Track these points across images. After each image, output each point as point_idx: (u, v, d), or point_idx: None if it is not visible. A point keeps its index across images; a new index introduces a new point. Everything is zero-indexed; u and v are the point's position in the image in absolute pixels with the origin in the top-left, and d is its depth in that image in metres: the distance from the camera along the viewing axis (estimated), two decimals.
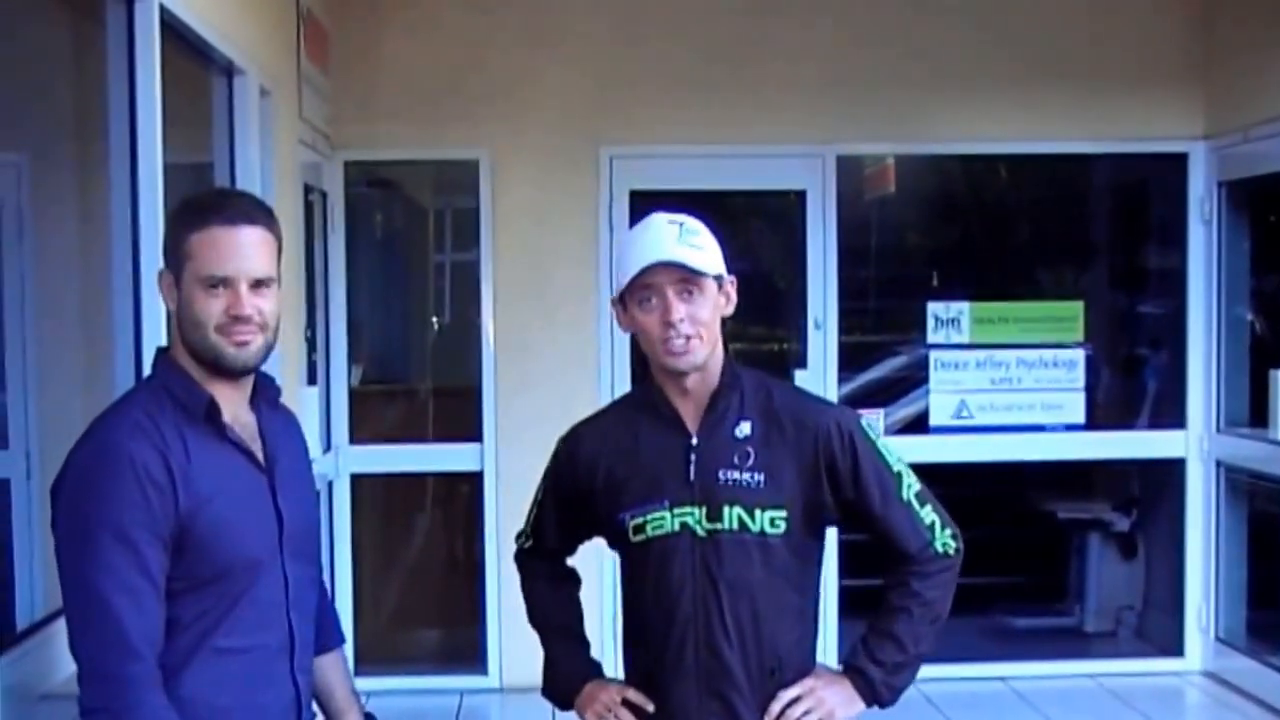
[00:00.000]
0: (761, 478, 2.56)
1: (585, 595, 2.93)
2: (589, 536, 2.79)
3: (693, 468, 2.57)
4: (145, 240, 3.62)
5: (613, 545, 2.70)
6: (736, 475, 2.56)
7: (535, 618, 2.88)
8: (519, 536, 2.88)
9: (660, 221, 2.59)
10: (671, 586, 2.57)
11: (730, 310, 2.62)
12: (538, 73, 6.37)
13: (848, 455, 2.59)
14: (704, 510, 2.56)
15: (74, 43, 4.06)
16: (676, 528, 2.57)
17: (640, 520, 2.59)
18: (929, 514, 2.64)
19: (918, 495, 2.64)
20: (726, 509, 2.55)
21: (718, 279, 2.57)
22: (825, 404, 2.78)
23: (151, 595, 2.17)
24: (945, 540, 2.64)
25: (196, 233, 2.25)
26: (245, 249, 2.26)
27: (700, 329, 2.54)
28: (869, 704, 2.63)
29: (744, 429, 2.59)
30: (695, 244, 2.54)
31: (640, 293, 2.55)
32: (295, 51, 5.41)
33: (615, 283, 2.61)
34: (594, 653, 2.85)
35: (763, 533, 2.55)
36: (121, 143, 3.64)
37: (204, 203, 2.35)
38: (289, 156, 5.25)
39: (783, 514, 2.56)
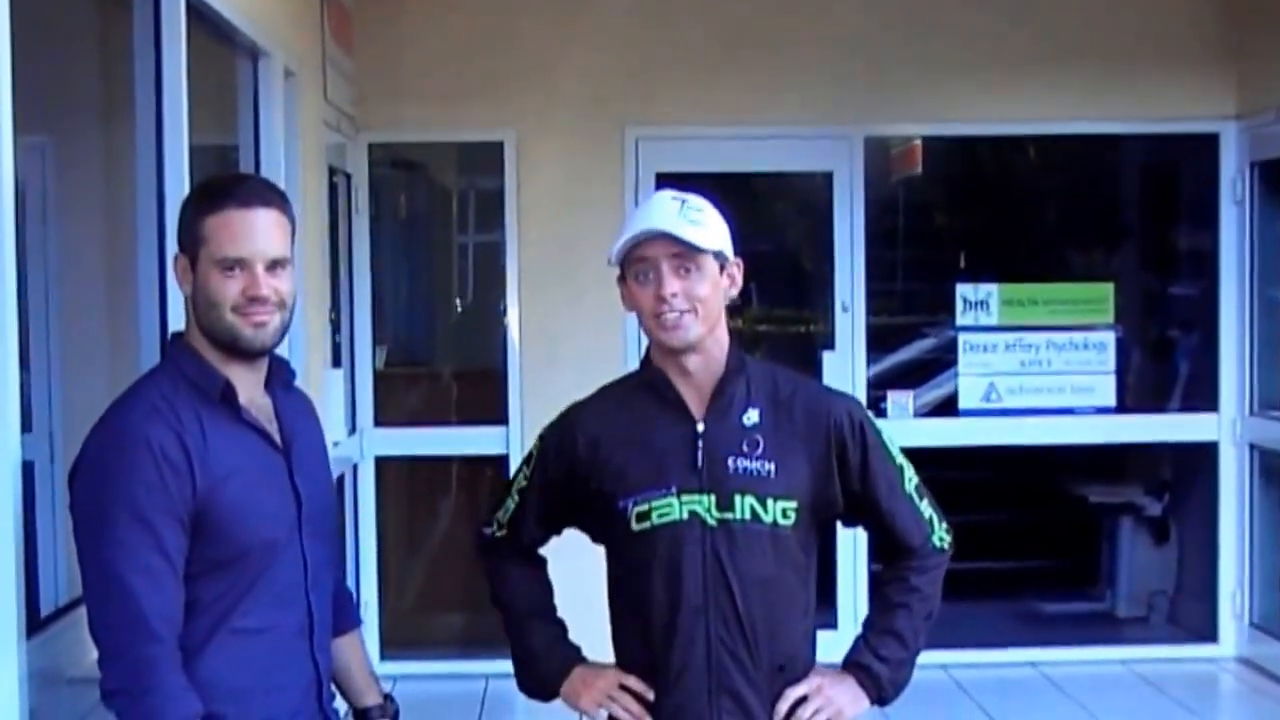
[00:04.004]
0: (772, 467, 2.48)
1: (585, 583, 2.79)
2: (566, 527, 2.68)
3: (700, 454, 2.49)
4: (171, 223, 3.58)
5: (601, 536, 2.60)
6: (747, 464, 2.48)
7: (504, 600, 2.72)
8: (488, 524, 2.72)
9: (663, 197, 2.55)
10: (680, 577, 2.47)
11: (734, 293, 2.55)
12: (563, 54, 6.33)
13: (858, 446, 2.53)
14: (713, 499, 2.47)
15: (100, 25, 4.05)
16: (685, 516, 2.47)
17: (645, 507, 2.49)
18: (927, 508, 2.61)
19: (917, 489, 2.61)
20: (738, 498, 2.47)
21: (719, 258, 2.50)
22: (834, 393, 2.71)
23: (170, 576, 2.17)
24: (941, 535, 2.62)
25: (211, 216, 2.25)
26: (260, 231, 2.26)
27: (696, 304, 2.46)
28: (873, 702, 2.59)
29: (752, 416, 2.51)
30: (695, 220, 2.48)
31: (637, 266, 2.49)
32: (320, 33, 5.40)
33: (614, 255, 2.54)
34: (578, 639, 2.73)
35: (775, 524, 2.48)
36: (148, 125, 3.64)
37: (217, 186, 2.36)
38: (313, 138, 5.23)
39: (794, 504, 2.49)
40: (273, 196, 2.32)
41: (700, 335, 2.49)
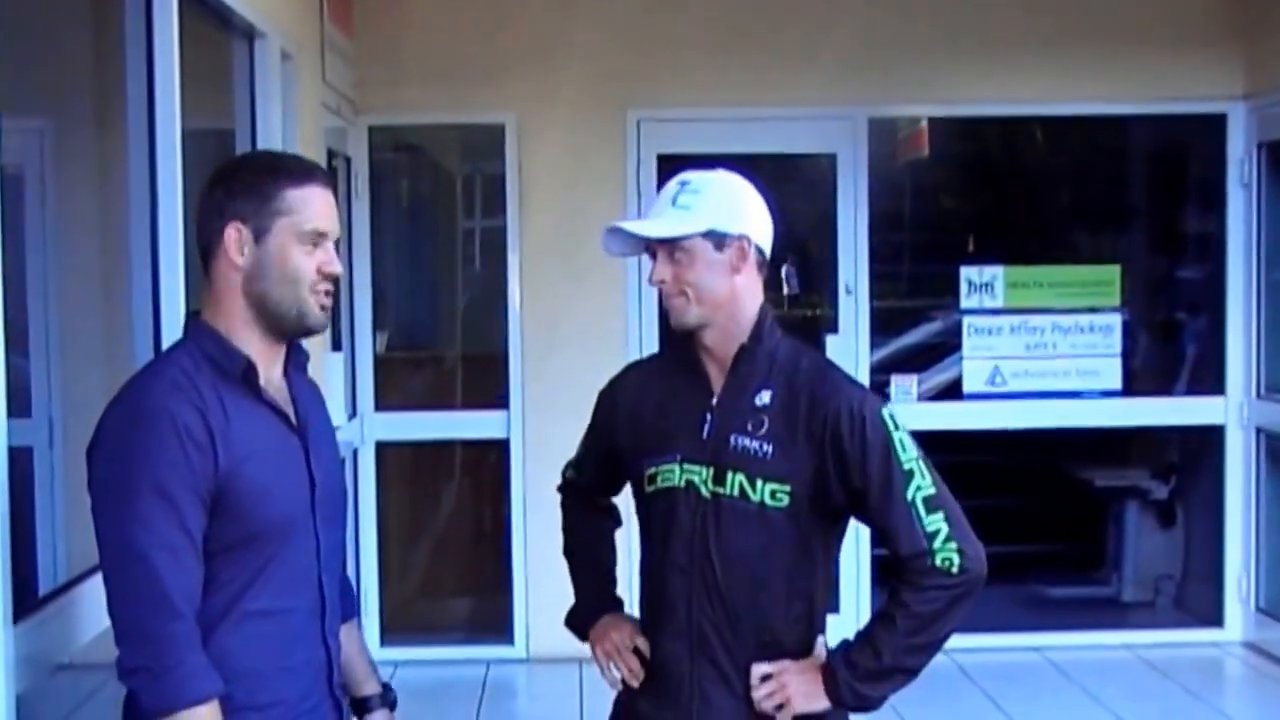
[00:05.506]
0: (770, 448, 2.50)
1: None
2: (624, 480, 2.75)
3: (707, 428, 2.54)
4: (164, 208, 3.58)
5: (634, 494, 2.68)
6: (746, 442, 2.51)
7: (565, 546, 2.88)
8: (567, 466, 2.88)
9: (672, 182, 2.58)
10: (671, 542, 2.55)
11: (745, 270, 2.52)
12: (565, 35, 6.30)
13: (856, 442, 2.47)
14: (711, 472, 2.52)
15: (95, 6, 4.01)
16: (682, 484, 2.54)
17: (654, 471, 2.57)
18: (935, 522, 2.45)
19: (926, 500, 2.46)
20: (730, 474, 2.51)
21: (711, 236, 2.49)
22: (848, 385, 2.58)
23: (190, 553, 2.16)
24: (948, 555, 2.44)
25: (297, 188, 2.25)
26: (334, 210, 2.31)
27: (685, 288, 2.50)
28: (834, 704, 2.52)
29: (764, 397, 2.53)
30: (685, 204, 2.50)
31: (650, 252, 2.55)
32: (318, 15, 5.37)
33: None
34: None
35: (762, 504, 2.50)
36: (139, 110, 3.61)
37: (296, 162, 2.38)
38: (312, 121, 5.19)
39: (786, 488, 2.49)
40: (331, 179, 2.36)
41: (699, 317, 2.52)
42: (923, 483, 2.47)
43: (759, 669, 2.53)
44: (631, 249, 2.58)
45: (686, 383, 2.59)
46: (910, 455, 2.49)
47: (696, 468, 2.53)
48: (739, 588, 2.51)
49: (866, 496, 2.49)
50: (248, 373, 2.25)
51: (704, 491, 2.52)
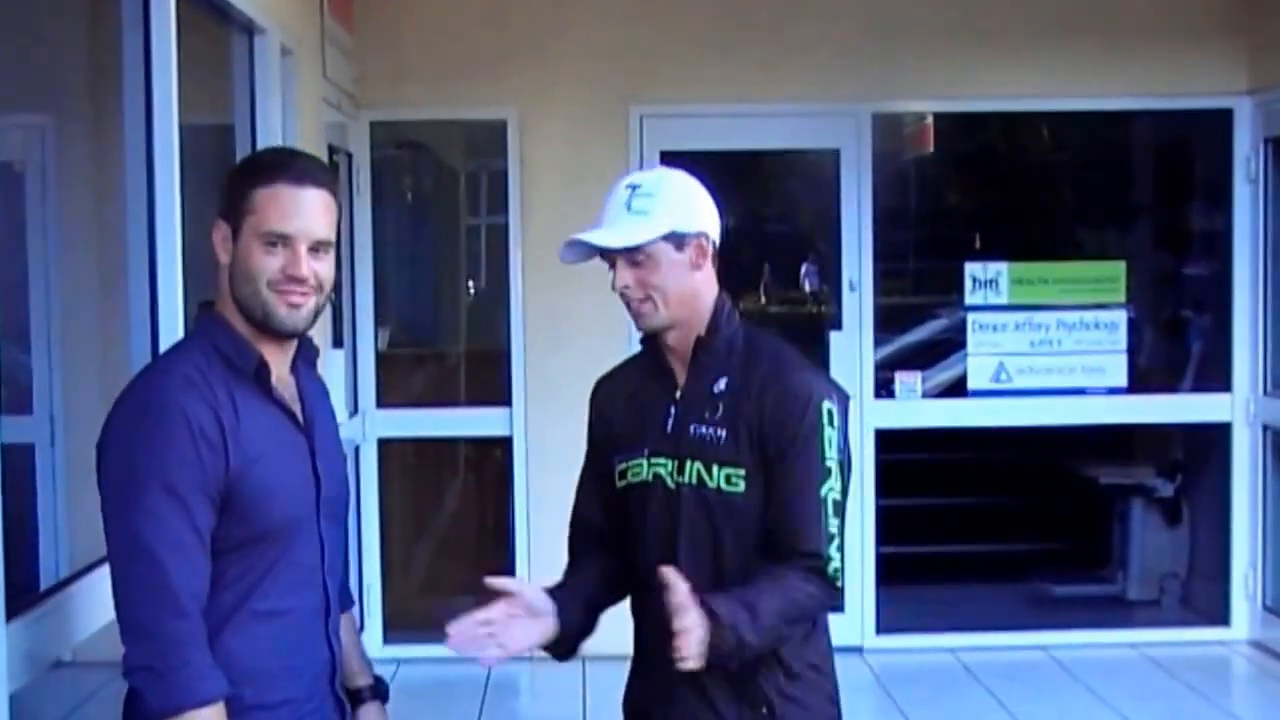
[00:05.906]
0: (723, 433, 2.51)
1: None
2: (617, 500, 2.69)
3: (671, 420, 2.56)
4: (161, 204, 3.57)
5: (612, 493, 2.66)
6: (703, 430, 2.52)
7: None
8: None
9: (617, 188, 2.54)
10: (644, 535, 2.56)
11: (705, 266, 2.52)
12: (567, 30, 6.28)
13: (794, 420, 2.46)
14: (675, 463, 2.54)
15: (93, 2, 4.00)
16: (650, 478, 2.56)
17: (624, 466, 2.59)
18: (834, 526, 2.47)
19: (834, 503, 2.48)
20: (689, 463, 2.52)
21: (672, 238, 2.49)
22: (800, 369, 2.57)
23: (199, 552, 2.16)
24: (837, 566, 2.45)
25: (262, 188, 2.23)
26: (308, 209, 2.25)
27: (650, 292, 2.49)
28: (714, 658, 2.32)
29: (720, 384, 2.54)
30: (640, 208, 2.49)
31: (607, 258, 2.53)
32: (318, 10, 5.35)
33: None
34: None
35: (719, 489, 2.50)
36: (137, 106, 3.59)
37: (271, 160, 2.37)
38: (312, 117, 5.18)
39: (740, 472, 2.49)
40: (325, 177, 2.31)
41: (665, 319, 2.52)
42: (835, 485, 2.49)
43: (687, 623, 2.29)
44: (584, 255, 2.55)
45: (654, 379, 2.61)
46: (834, 455, 2.49)
47: (662, 460, 2.54)
48: (707, 577, 2.47)
49: (781, 482, 2.46)
50: (260, 371, 2.26)
51: (670, 484, 2.53)
